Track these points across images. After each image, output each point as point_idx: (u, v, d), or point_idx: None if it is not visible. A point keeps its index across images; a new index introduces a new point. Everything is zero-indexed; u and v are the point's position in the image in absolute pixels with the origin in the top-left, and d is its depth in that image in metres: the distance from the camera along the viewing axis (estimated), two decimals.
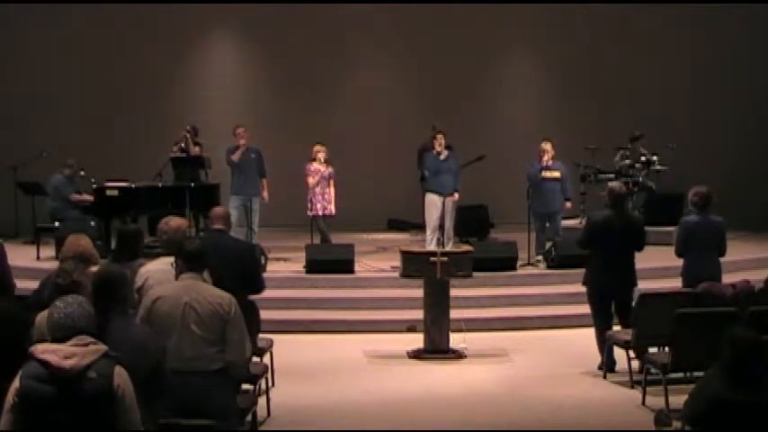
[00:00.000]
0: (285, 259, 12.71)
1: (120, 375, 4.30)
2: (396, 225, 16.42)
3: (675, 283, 9.22)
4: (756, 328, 5.63)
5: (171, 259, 6.22)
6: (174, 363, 5.44)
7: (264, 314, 8.01)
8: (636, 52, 16.94)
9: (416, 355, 9.48)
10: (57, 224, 12.81)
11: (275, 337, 8.45)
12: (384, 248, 13.85)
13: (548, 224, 12.63)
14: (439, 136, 12.56)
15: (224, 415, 5.58)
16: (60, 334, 4.31)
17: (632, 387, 8.23)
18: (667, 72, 16.89)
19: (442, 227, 12.34)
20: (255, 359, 7.26)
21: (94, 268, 6.21)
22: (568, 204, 12.89)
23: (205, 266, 5.85)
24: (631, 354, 8.36)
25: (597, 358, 8.87)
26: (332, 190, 12.79)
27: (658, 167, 14.52)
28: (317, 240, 12.79)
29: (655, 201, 14.57)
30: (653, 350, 8.21)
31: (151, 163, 13.35)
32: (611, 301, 8.86)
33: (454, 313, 9.63)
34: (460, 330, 9.68)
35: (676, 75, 16.90)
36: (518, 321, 10.77)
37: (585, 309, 10.05)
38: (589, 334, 9.23)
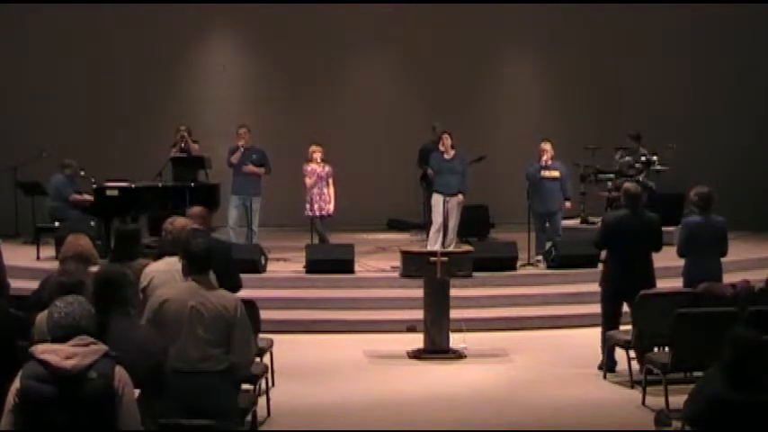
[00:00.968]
0: (285, 259, 12.70)
1: (121, 375, 4.30)
2: (396, 225, 16.41)
3: (675, 283, 9.21)
4: (756, 328, 5.62)
5: (175, 259, 6.23)
6: (180, 364, 5.46)
7: (264, 314, 8.04)
8: (636, 52, 16.93)
9: (416, 355, 9.48)
10: (57, 224, 12.80)
11: (275, 337, 8.46)
12: (384, 248, 13.85)
13: (548, 224, 12.64)
14: (445, 135, 12.60)
15: (227, 414, 5.60)
16: (61, 333, 4.31)
17: (632, 387, 8.23)
18: (667, 72, 16.88)
19: (445, 227, 12.34)
20: (255, 359, 7.25)
21: (94, 268, 6.23)
22: (568, 204, 12.90)
23: (210, 267, 5.87)
24: (632, 354, 8.36)
25: (597, 358, 8.87)
26: (330, 189, 12.77)
27: (658, 167, 14.50)
28: (316, 241, 12.78)
29: (655, 201, 14.54)
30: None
31: (151, 163, 13.34)
32: (624, 301, 8.80)
33: (454, 313, 9.63)
34: (460, 330, 9.68)
35: (676, 75, 16.90)
36: (518, 321, 10.76)
37: (585, 309, 10.08)
38: (589, 334, 9.23)
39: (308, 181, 12.65)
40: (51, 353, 4.23)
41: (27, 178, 14.43)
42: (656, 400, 7.61)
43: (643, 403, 7.76)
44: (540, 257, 12.46)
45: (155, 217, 12.64)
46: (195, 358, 5.55)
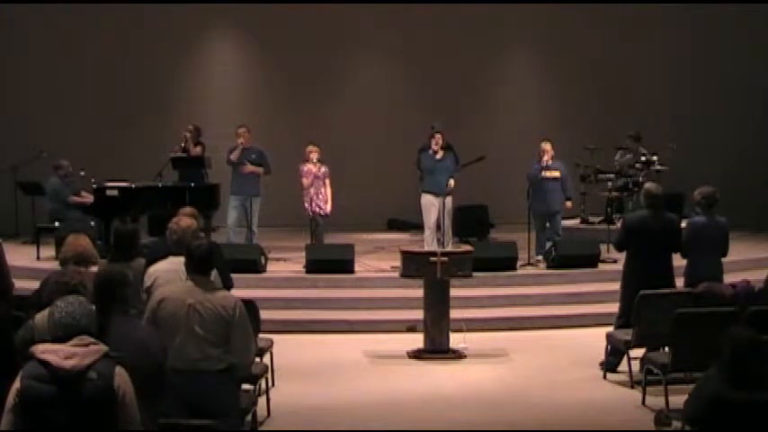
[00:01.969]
0: (285, 259, 12.70)
1: (121, 376, 4.30)
2: (396, 225, 16.42)
3: (677, 283, 9.19)
4: (756, 328, 5.63)
5: (180, 259, 6.21)
6: (179, 363, 5.46)
7: (264, 314, 8.04)
8: (636, 52, 16.94)
9: (416, 355, 9.48)
10: (57, 224, 12.80)
11: (275, 337, 8.46)
12: (384, 248, 13.84)
13: (548, 224, 12.63)
14: (437, 135, 12.51)
15: (227, 414, 5.60)
16: (62, 332, 4.31)
17: (632, 387, 8.22)
18: (667, 72, 16.89)
19: (440, 227, 12.30)
20: (255, 359, 7.25)
21: (95, 268, 6.23)
22: (569, 204, 12.89)
23: (212, 268, 5.87)
24: (632, 354, 8.35)
25: (597, 358, 8.86)
26: (327, 189, 12.74)
27: (658, 167, 14.51)
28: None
29: None
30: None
31: (151, 163, 13.34)
32: None
33: (454, 313, 9.63)
34: (460, 330, 9.68)
35: (676, 75, 16.90)
36: (518, 321, 10.76)
37: (585, 309, 10.07)
38: (589, 334, 9.23)
39: (305, 181, 12.64)
40: (51, 353, 4.23)
41: (27, 178, 14.44)
42: (656, 400, 7.61)
43: (643, 403, 7.76)
44: (540, 257, 12.46)
45: (155, 217, 12.64)
46: (194, 358, 5.55)
